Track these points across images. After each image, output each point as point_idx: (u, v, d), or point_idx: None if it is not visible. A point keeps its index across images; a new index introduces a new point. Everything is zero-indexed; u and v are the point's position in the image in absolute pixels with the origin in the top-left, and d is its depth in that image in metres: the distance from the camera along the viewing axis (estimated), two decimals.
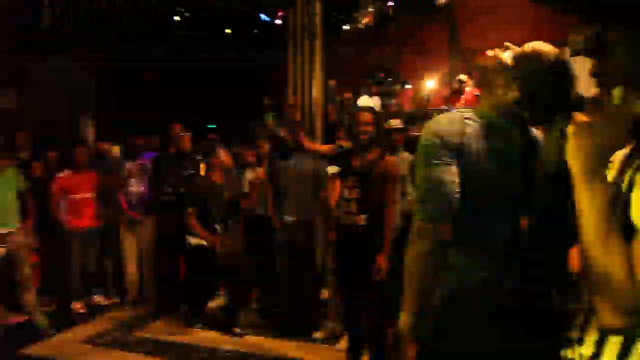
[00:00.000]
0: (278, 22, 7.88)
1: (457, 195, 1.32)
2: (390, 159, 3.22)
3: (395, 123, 4.37)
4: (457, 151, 1.33)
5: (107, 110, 6.87)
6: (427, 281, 1.36)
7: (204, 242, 4.31)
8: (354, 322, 3.35)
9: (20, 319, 4.46)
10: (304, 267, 4.32)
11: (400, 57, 7.50)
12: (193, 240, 4.36)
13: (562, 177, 1.11)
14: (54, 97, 6.89)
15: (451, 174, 1.32)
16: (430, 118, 4.96)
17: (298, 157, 4.33)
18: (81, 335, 4.28)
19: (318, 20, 5.99)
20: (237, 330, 4.23)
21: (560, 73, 1.37)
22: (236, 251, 4.49)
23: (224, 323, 4.30)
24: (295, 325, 4.22)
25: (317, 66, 6.06)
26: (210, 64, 7.95)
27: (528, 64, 1.39)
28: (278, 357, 3.80)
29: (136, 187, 5.02)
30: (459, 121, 1.38)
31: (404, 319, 1.39)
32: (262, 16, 8.09)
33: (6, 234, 4.15)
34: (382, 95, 6.73)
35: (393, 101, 7.14)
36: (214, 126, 5.34)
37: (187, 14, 7.56)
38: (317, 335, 4.08)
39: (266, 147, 4.92)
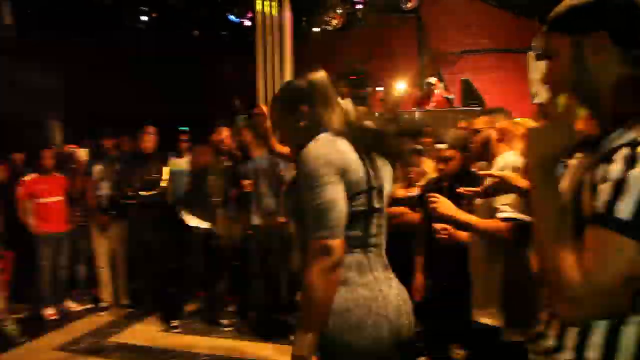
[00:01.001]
0: (247, 23, 7.87)
1: (345, 212, 1.43)
2: None
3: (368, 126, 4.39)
4: (341, 169, 1.43)
5: (76, 112, 6.73)
6: (330, 299, 1.42)
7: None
8: None
9: None
10: (279, 269, 4.39)
11: (369, 59, 7.61)
12: (193, 221, 4.41)
13: None
14: (20, 98, 6.70)
15: (339, 192, 1.42)
16: (399, 121, 5.09)
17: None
18: (54, 343, 4.20)
19: (287, 22, 6.04)
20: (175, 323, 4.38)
21: None
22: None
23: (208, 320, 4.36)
24: (273, 328, 4.26)
25: (287, 68, 6.12)
26: (182, 65, 7.89)
27: None
28: None
29: (106, 189, 4.95)
30: (334, 142, 1.49)
31: (304, 340, 1.42)
32: (231, 17, 8.06)
33: None
34: (353, 98, 6.81)
35: (365, 104, 7.25)
36: (186, 128, 5.30)
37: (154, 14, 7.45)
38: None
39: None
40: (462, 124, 4.65)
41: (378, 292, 1.48)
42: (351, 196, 1.46)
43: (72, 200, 5.08)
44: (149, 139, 4.81)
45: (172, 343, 4.14)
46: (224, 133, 4.61)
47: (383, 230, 1.59)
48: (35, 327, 4.49)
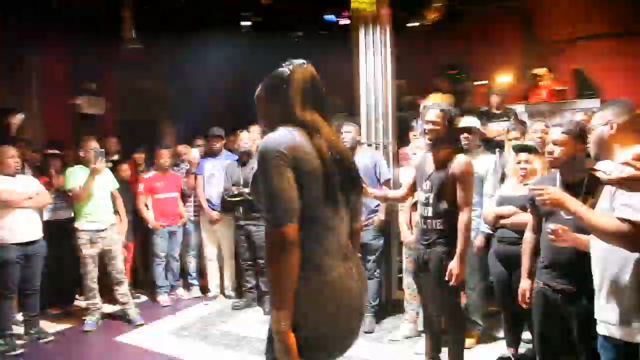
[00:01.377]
0: (344, 21, 7.87)
1: (297, 199, 1.54)
2: (462, 158, 3.04)
3: (468, 121, 4.02)
4: (294, 160, 1.55)
5: (185, 114, 7.26)
6: (292, 278, 1.52)
7: None
8: (433, 324, 3.32)
9: (115, 309, 4.87)
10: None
11: (470, 52, 7.30)
12: None
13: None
14: (136, 103, 7.40)
15: (291, 181, 1.53)
16: (507, 115, 4.78)
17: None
18: (167, 327, 4.57)
19: (385, 18, 5.97)
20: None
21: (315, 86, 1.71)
22: None
23: None
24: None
25: (387, 64, 6.05)
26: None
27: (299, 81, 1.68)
28: (358, 357, 3.68)
29: (216, 187, 5.27)
30: (287, 135, 1.60)
31: (278, 316, 1.52)
32: (328, 17, 8.10)
33: (102, 230, 4.52)
34: (454, 93, 6.61)
35: (465, 99, 7.01)
36: None
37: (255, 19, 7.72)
38: (395, 336, 4.08)
39: None
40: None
41: (337, 276, 1.62)
42: (306, 185, 1.57)
43: (184, 197, 5.49)
44: (253, 138, 5.06)
45: None
46: None
47: (345, 218, 1.72)
48: (151, 312, 4.92)
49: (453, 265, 2.97)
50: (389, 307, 4.66)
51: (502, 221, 3.41)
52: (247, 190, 4.84)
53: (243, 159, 4.99)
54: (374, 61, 5.28)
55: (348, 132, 4.27)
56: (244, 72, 8.11)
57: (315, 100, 1.71)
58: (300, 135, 1.62)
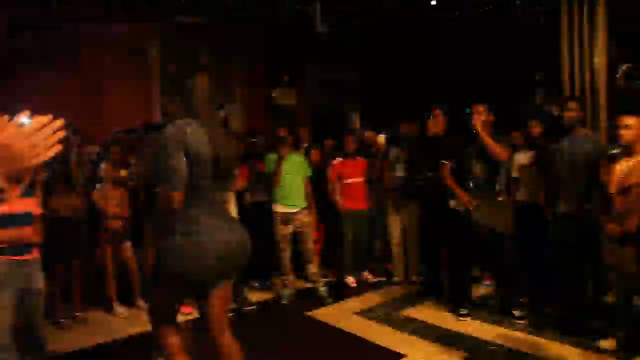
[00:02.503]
0: None
1: (183, 174, 2.18)
2: None
3: None
4: (184, 146, 2.19)
5: (371, 101, 7.40)
6: (166, 230, 2.28)
7: (461, 206, 4.31)
8: None
9: (306, 286, 5.21)
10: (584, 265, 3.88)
11: None
12: (452, 202, 4.38)
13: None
14: (324, 92, 7.79)
15: (180, 162, 2.17)
16: None
17: (575, 139, 3.90)
18: (352, 308, 4.72)
19: None
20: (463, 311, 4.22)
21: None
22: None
23: (499, 310, 4.24)
24: (573, 328, 3.82)
25: (599, 26, 5.33)
26: (468, 43, 7.75)
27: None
28: None
29: (400, 172, 5.24)
30: (183, 126, 2.23)
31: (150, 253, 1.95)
32: None
33: (295, 213, 4.85)
34: None
35: None
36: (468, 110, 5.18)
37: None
38: (604, 344, 3.51)
39: (537, 128, 4.57)
40: None
41: (207, 235, 2.25)
42: (195, 163, 2.21)
43: (371, 181, 5.58)
44: (437, 123, 4.87)
45: (459, 326, 4.13)
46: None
47: (223, 193, 2.50)
48: (338, 292, 5.12)
49: None
50: None
51: None
52: (431, 174, 4.73)
53: (430, 142, 4.85)
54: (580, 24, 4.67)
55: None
56: (433, 59, 8.01)
57: (209, 101, 2.42)
58: (196, 127, 2.24)
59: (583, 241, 3.82)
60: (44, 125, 1.03)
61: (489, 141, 4.02)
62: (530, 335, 3.87)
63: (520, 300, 4.42)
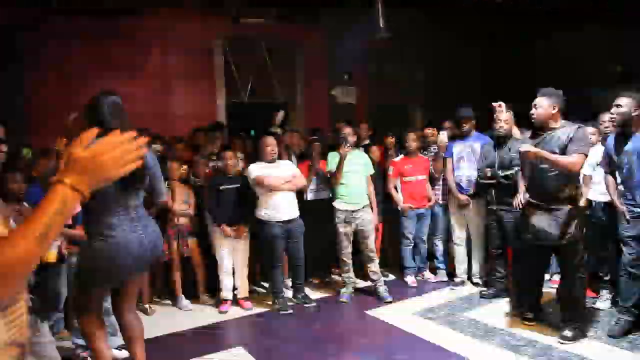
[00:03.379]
0: None
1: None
2: None
3: None
4: None
5: (435, 98, 7.24)
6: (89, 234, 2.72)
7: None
8: None
9: (367, 284, 5.19)
10: None
11: None
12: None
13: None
14: (387, 89, 7.71)
15: None
16: None
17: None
18: (413, 308, 4.64)
19: None
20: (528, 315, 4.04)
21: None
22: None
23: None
24: None
25: None
26: (536, 36, 7.40)
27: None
28: None
29: (466, 170, 5.09)
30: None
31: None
32: None
33: (357, 210, 4.84)
34: None
35: None
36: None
37: None
38: None
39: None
40: None
41: (120, 238, 2.62)
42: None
43: (433, 180, 5.46)
44: (505, 119, 4.68)
45: (524, 330, 3.96)
46: None
47: (134, 198, 2.74)
48: (399, 291, 5.06)
49: None
50: None
51: None
52: (501, 173, 4.56)
53: (499, 141, 4.68)
54: None
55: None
56: (496, 53, 7.73)
57: (117, 116, 2.66)
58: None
59: None
60: (129, 139, 1.12)
61: (550, 158, 3.52)
62: (601, 342, 3.65)
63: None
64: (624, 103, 3.61)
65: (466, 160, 5.08)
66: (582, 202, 4.13)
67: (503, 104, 4.51)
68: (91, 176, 1.07)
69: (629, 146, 3.66)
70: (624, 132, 3.71)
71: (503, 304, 4.56)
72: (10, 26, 5.59)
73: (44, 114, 5.52)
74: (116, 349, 3.73)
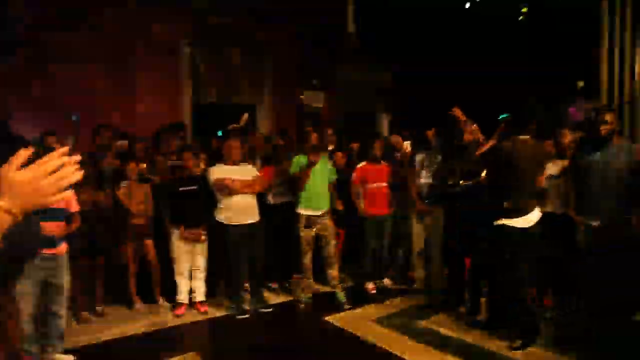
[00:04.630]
0: None
1: None
2: None
3: None
4: None
5: (401, 106, 7.30)
6: None
7: None
8: None
9: (326, 290, 5.16)
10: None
11: None
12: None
13: None
14: (354, 95, 7.74)
15: None
16: None
17: (610, 150, 3.70)
18: (371, 314, 4.64)
19: None
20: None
21: None
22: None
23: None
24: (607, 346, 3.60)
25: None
26: (505, 43, 7.54)
27: None
28: None
29: (425, 178, 5.13)
30: None
31: None
32: None
33: (319, 216, 4.82)
34: None
35: None
36: (506, 115, 5.02)
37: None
38: None
39: (568, 137, 4.40)
40: None
41: None
42: None
43: (394, 187, 5.48)
44: (468, 130, 4.74)
45: (479, 340, 3.99)
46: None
47: None
48: (357, 298, 5.05)
49: None
50: None
51: None
52: (461, 182, 4.62)
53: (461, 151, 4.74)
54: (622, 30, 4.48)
55: None
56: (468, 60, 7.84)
57: None
58: None
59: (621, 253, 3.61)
60: (62, 157, 1.07)
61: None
62: (549, 352, 3.72)
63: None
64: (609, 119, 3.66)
65: (427, 169, 5.13)
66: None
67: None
68: (25, 200, 1.04)
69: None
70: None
71: (453, 313, 4.59)
72: None
73: None
74: (63, 353, 3.63)
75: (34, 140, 4.57)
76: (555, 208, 4.46)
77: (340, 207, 5.22)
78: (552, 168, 4.53)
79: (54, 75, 5.80)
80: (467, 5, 6.94)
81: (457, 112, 4.47)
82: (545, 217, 4.43)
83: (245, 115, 5.66)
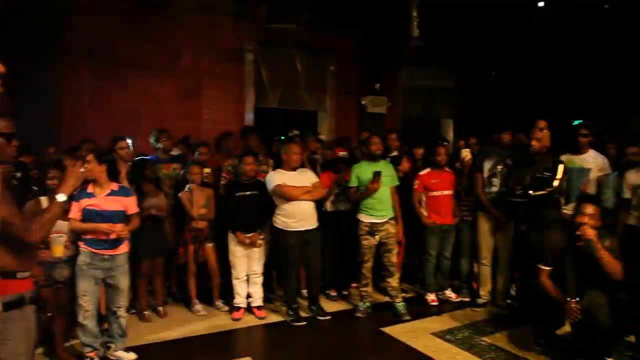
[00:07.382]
0: None
1: None
2: None
3: None
4: None
5: (467, 111, 7.02)
6: None
7: None
8: None
9: (385, 300, 5.02)
10: None
11: None
12: None
13: None
14: (418, 100, 7.55)
15: None
16: None
17: None
18: (431, 327, 4.44)
19: None
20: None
21: None
22: None
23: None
24: None
25: None
26: (576, 48, 7.06)
27: None
28: None
29: (496, 186, 4.87)
30: None
31: None
32: None
33: (382, 223, 4.68)
34: None
35: None
36: (580, 121, 4.68)
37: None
38: None
39: None
40: None
41: None
42: None
43: (460, 195, 5.25)
44: (541, 136, 4.46)
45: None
46: None
47: None
48: (417, 309, 4.87)
49: None
50: None
51: None
52: (531, 192, 4.34)
53: (529, 159, 4.46)
54: None
55: None
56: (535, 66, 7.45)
57: None
58: None
59: None
60: None
61: (604, 256, 3.32)
62: None
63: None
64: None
65: (497, 177, 4.87)
66: None
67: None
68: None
69: None
70: None
71: (526, 330, 4.29)
72: None
73: None
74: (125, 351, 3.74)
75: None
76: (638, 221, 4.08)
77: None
78: (636, 177, 4.15)
79: (125, 83, 6.09)
80: (541, 4, 6.55)
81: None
82: (627, 229, 4.09)
83: (295, 131, 5.64)
